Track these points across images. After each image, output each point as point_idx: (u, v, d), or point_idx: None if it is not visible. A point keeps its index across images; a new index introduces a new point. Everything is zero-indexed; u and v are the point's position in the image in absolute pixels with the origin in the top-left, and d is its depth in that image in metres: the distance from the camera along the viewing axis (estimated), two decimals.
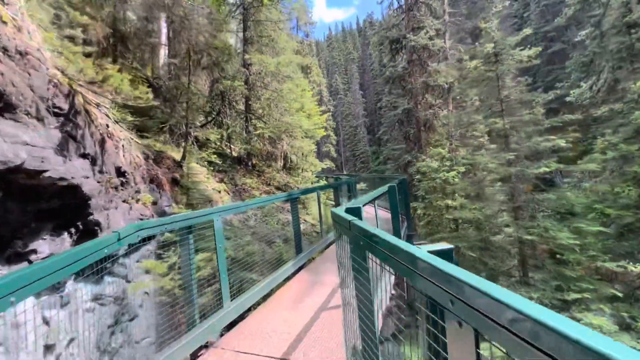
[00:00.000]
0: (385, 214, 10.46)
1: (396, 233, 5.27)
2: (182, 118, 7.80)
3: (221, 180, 9.41)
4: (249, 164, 11.24)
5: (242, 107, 11.68)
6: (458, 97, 19.51)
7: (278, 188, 10.56)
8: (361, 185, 16.85)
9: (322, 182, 12.47)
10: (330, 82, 67.96)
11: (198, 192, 7.67)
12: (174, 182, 7.13)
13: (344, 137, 60.33)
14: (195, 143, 8.78)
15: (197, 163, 9.58)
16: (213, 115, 11.49)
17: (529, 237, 6.93)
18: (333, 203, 12.34)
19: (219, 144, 10.99)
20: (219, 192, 8.63)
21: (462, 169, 18.21)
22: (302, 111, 14.01)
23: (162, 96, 9.96)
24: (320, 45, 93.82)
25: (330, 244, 6.60)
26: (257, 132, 9.95)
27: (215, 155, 9.87)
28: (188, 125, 7.80)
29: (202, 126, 11.65)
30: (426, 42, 21.27)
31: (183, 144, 8.03)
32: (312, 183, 11.64)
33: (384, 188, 5.24)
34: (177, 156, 8.04)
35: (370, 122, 62.51)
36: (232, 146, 10.97)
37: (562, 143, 7.40)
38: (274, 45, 12.80)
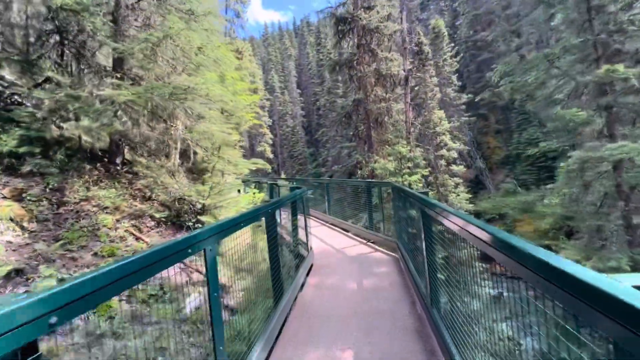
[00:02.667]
0: (358, 250, 6.00)
1: None
2: None
3: (18, 195, 4.33)
4: (114, 160, 6.23)
5: (105, 62, 6.61)
6: (416, 88, 16.74)
7: (165, 206, 5.76)
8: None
9: (252, 191, 7.95)
10: (266, 78, 62.86)
11: None
12: None
13: (280, 138, 55.86)
14: None
15: None
16: (46, 73, 6.17)
17: None
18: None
19: (46, 120, 5.74)
20: None
21: (426, 172, 15.32)
22: (222, 85, 9.31)
23: None
24: (256, 42, 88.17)
25: None
26: (106, 92, 4.91)
27: (19, 142, 4.73)
28: None
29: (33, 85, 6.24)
30: (377, 25, 18.15)
31: None
32: (232, 193, 7.08)
33: None
34: None
35: (308, 123, 59.38)
36: (63, 125, 5.80)
37: None
38: None
